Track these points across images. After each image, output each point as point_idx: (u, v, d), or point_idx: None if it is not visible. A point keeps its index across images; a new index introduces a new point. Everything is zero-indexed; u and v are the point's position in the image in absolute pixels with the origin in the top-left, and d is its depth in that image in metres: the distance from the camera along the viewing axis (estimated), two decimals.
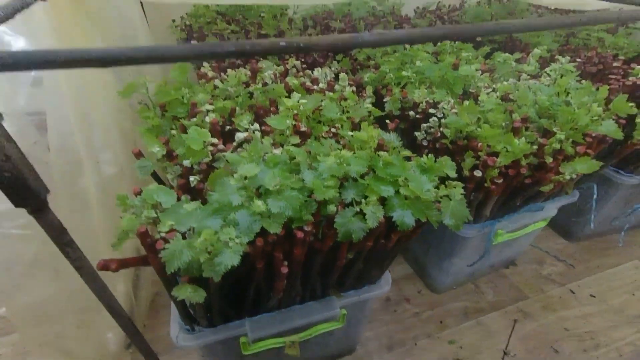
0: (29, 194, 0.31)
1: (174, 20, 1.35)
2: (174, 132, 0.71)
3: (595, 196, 0.92)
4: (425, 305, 1.05)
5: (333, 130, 0.74)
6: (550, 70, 0.93)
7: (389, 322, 1.00)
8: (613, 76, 0.97)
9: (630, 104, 0.69)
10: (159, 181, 0.71)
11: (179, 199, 0.52)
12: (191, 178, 0.60)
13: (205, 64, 0.97)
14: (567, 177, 0.64)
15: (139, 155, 0.65)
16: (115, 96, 0.77)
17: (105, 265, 0.44)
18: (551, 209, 0.90)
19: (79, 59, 0.26)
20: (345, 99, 0.81)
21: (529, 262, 1.17)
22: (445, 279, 1.06)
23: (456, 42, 1.17)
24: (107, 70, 0.75)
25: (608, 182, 1.02)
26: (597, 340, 0.94)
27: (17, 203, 0.31)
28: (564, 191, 0.72)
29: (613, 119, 0.68)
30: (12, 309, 0.69)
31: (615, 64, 1.01)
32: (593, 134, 0.66)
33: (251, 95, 0.86)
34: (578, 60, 1.08)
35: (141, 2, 1.02)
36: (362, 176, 0.54)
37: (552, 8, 1.48)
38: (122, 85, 0.80)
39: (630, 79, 0.93)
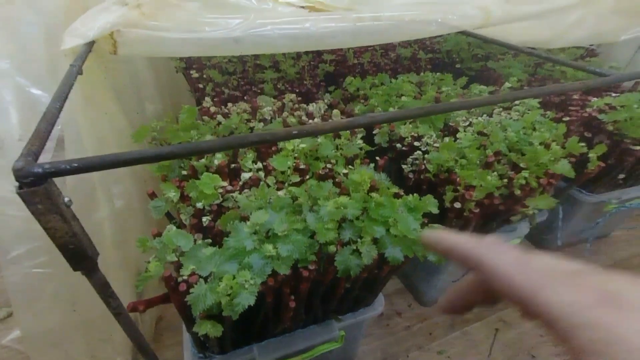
0: (86, 260, 0.37)
1: None
2: (184, 172, 0.78)
3: (561, 215, 1.02)
4: (415, 318, 1.13)
5: (329, 166, 0.82)
6: (519, 104, 1.04)
7: (382, 336, 1.08)
8: (573, 107, 1.08)
9: (582, 144, 0.80)
10: (170, 218, 0.77)
11: (194, 240, 0.59)
12: (203, 218, 0.67)
13: (207, 98, 1.04)
14: (531, 212, 0.74)
15: (152, 195, 0.71)
16: (125, 135, 0.83)
17: (134, 307, 0.50)
18: (523, 228, 1.00)
19: (139, 158, 0.33)
20: (339, 136, 0.89)
21: None
22: (433, 293, 1.15)
23: (437, 74, 1.28)
24: (120, 114, 0.80)
25: (573, 201, 1.13)
26: None
27: (75, 267, 0.37)
28: (529, 222, 0.82)
29: (569, 156, 0.78)
30: (27, 336, 0.73)
31: (575, 96, 1.13)
32: (551, 172, 0.77)
33: (252, 131, 0.93)
34: None
35: None
36: (357, 217, 0.62)
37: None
38: (131, 125, 0.86)
39: (587, 110, 1.05)
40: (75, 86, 0.61)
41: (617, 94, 1.10)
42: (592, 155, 0.86)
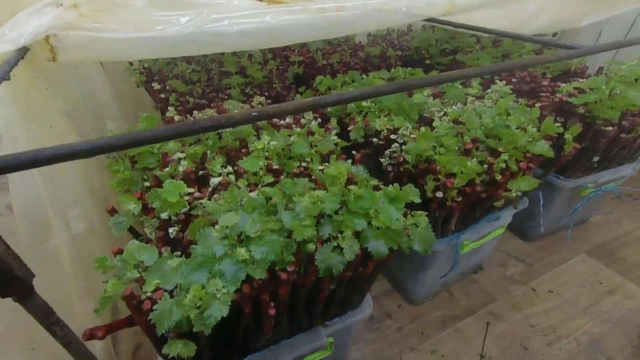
0: (16, 283, 0.31)
1: (131, 64, 1.33)
2: (147, 183, 0.72)
3: (541, 202, 1.02)
4: (406, 318, 1.10)
5: (304, 164, 0.78)
6: (491, 92, 1.04)
7: (374, 340, 1.04)
8: (543, 93, 1.10)
9: (557, 124, 0.80)
10: (136, 235, 0.71)
11: (160, 253, 0.53)
12: (170, 230, 0.61)
13: (170, 108, 0.98)
14: (514, 194, 0.73)
15: (112, 212, 0.65)
16: None
17: (91, 335, 0.44)
18: (506, 216, 0.99)
19: (65, 154, 0.28)
20: (313, 134, 0.86)
21: (494, 265, 1.26)
22: (422, 291, 1.12)
23: (408, 68, 1.27)
24: (70, 128, 0.74)
25: (551, 187, 1.14)
26: (559, 333, 1.03)
27: (3, 293, 0.31)
28: (512, 205, 0.81)
29: (545, 139, 0.78)
30: None
31: (544, 83, 1.15)
32: (530, 154, 0.76)
33: (220, 136, 0.88)
34: (513, 80, 1.21)
35: None
36: (336, 212, 0.58)
37: (486, 35, 1.65)
38: (79, 139, 0.80)
39: (558, 95, 1.07)
40: (10, 101, 0.56)
41: (584, 80, 1.12)
42: (568, 136, 0.86)
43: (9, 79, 0.45)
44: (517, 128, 0.80)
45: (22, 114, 0.56)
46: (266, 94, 1.18)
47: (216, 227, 0.51)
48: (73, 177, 0.74)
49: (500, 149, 0.79)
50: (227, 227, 0.51)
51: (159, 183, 0.71)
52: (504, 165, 0.75)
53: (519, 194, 0.74)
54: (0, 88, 0.43)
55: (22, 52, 0.53)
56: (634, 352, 0.97)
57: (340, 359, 0.91)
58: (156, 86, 1.16)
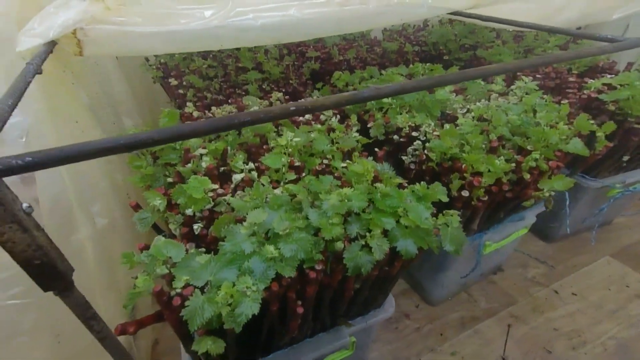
0: (58, 277, 0.31)
1: (147, 59, 1.33)
2: (169, 179, 0.72)
3: (567, 202, 0.99)
4: (425, 319, 1.08)
5: (325, 161, 0.77)
6: (516, 89, 1.01)
7: (392, 341, 1.02)
8: (570, 90, 1.06)
9: (591, 122, 0.77)
10: (158, 231, 0.71)
11: (185, 250, 0.53)
12: (195, 226, 0.61)
13: (189, 104, 0.98)
14: (547, 194, 0.70)
15: (136, 207, 0.65)
16: None
17: (123, 330, 0.44)
18: (531, 217, 0.96)
19: (109, 147, 0.27)
20: (333, 130, 0.84)
21: (514, 266, 1.23)
22: (441, 291, 1.10)
23: (427, 64, 1.25)
24: (93, 123, 0.74)
25: (576, 187, 1.10)
26: (584, 337, 1.00)
27: (46, 287, 0.31)
28: (545, 205, 0.78)
29: (576, 137, 0.75)
30: None
31: (570, 79, 1.11)
32: (564, 152, 0.73)
33: (239, 132, 0.88)
34: (538, 76, 1.18)
35: None
36: (363, 210, 0.57)
37: (510, 29, 1.61)
38: (106, 135, 0.80)
39: (586, 92, 1.03)
40: (39, 95, 0.56)
41: (612, 75, 1.08)
42: (600, 134, 0.83)
43: (40, 73, 0.44)
44: (547, 125, 0.78)
45: (50, 108, 0.56)
46: (283, 90, 1.17)
47: (244, 224, 0.50)
48: (96, 172, 0.75)
49: (528, 147, 0.76)
50: (255, 224, 0.50)
51: (181, 179, 0.71)
52: (533, 164, 0.72)
53: (552, 193, 0.72)
54: (32, 83, 0.43)
55: (51, 45, 0.53)
56: None
57: (360, 357, 0.90)
58: (173, 82, 1.16)
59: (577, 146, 0.71)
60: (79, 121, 0.66)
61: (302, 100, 0.31)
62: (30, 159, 0.25)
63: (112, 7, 0.56)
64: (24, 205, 0.29)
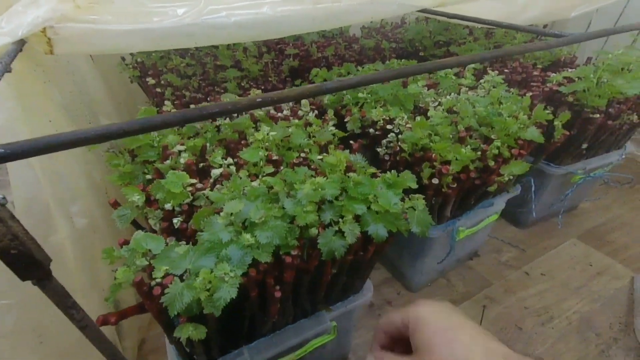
0: (35, 266, 0.32)
1: (123, 59, 1.32)
2: (148, 176, 0.73)
3: (533, 188, 1.05)
4: (406, 305, 1.12)
5: (303, 155, 0.79)
6: (484, 82, 1.06)
7: (375, 327, 1.06)
8: (534, 83, 1.12)
9: (547, 112, 0.82)
10: (138, 228, 0.71)
11: (165, 243, 0.54)
12: (174, 220, 0.62)
13: (167, 102, 0.99)
14: (507, 179, 0.75)
15: (115, 205, 0.66)
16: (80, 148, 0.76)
17: (105, 320, 0.45)
18: (500, 203, 1.02)
19: (82, 139, 0.29)
20: (310, 125, 0.87)
21: (489, 251, 1.29)
22: (420, 278, 1.14)
23: (402, 60, 1.29)
24: (68, 122, 0.74)
25: (542, 174, 1.17)
26: (551, 313, 1.06)
27: (23, 276, 0.32)
28: (505, 189, 0.83)
29: (535, 126, 0.80)
30: None
31: (535, 73, 1.18)
32: (522, 140, 0.78)
33: (219, 129, 0.89)
34: (505, 70, 1.24)
35: None
36: (336, 198, 0.60)
37: (479, 26, 1.67)
38: None
39: (548, 85, 1.09)
40: (9, 94, 0.56)
41: (573, 69, 1.15)
42: (557, 123, 0.89)
43: (10, 71, 0.45)
44: (509, 116, 0.83)
45: (22, 107, 0.56)
46: (262, 87, 1.19)
47: (221, 214, 0.52)
48: (74, 173, 0.75)
49: (492, 136, 0.81)
50: (231, 214, 0.52)
51: (160, 176, 0.72)
52: (496, 151, 0.77)
53: (512, 178, 0.77)
54: (2, 81, 0.43)
55: (20, 44, 0.54)
56: (621, 329, 1.01)
57: (343, 345, 0.94)
58: (151, 81, 1.16)
59: (533, 134, 0.77)
60: (53, 120, 0.66)
61: (269, 93, 0.33)
62: (3, 150, 0.27)
63: (83, 5, 0.57)
64: None
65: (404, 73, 0.44)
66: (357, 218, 0.58)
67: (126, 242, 0.55)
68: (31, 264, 0.32)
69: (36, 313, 0.64)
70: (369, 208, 0.58)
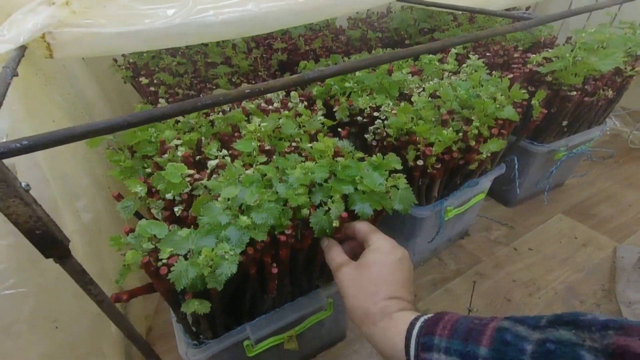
0: (57, 245, 0.37)
1: (115, 60, 1.35)
2: (148, 170, 0.77)
3: (516, 166, 1.10)
4: None
5: (294, 144, 0.83)
6: (466, 67, 1.10)
7: None
8: (515, 65, 1.17)
9: (524, 92, 0.87)
10: (139, 218, 0.76)
11: (168, 229, 0.58)
12: (175, 209, 0.66)
13: (161, 100, 1.02)
14: (485, 156, 0.80)
15: (119, 197, 0.70)
16: (77, 143, 0.80)
17: (117, 298, 0.49)
18: (485, 182, 1.07)
19: (92, 130, 0.33)
20: (300, 115, 0.91)
21: (479, 230, 1.35)
22: (413, 258, 1.20)
23: (388, 49, 1.33)
24: (69, 122, 0.78)
25: (526, 153, 1.22)
26: (538, 285, 1.12)
27: (47, 254, 0.37)
28: (485, 167, 0.88)
29: (514, 106, 0.85)
30: None
31: (515, 55, 1.22)
32: (500, 120, 0.83)
33: (212, 123, 0.93)
34: (487, 54, 1.27)
35: None
36: (325, 180, 0.64)
37: (460, 12, 1.70)
38: None
39: (528, 66, 1.14)
40: (15, 97, 0.60)
41: (552, 50, 1.19)
42: (535, 102, 0.93)
43: (17, 75, 0.49)
44: (487, 97, 0.87)
45: (27, 109, 0.60)
46: (252, 82, 1.22)
47: (219, 199, 0.57)
48: (77, 171, 0.79)
49: (473, 118, 0.85)
50: (228, 199, 0.57)
51: (159, 169, 0.76)
52: (476, 131, 0.81)
53: (489, 154, 0.81)
54: (3, 82, 0.47)
55: (22, 50, 0.57)
56: (604, 295, 1.07)
57: (341, 323, 0.99)
58: (144, 80, 1.19)
59: (509, 112, 0.81)
60: (55, 120, 0.70)
61: (256, 84, 0.37)
62: (27, 142, 0.31)
63: (78, 10, 0.60)
64: (23, 183, 0.34)
65: (378, 61, 0.49)
66: (345, 198, 0.63)
67: (131, 231, 0.60)
68: (53, 243, 0.36)
69: (51, 301, 0.68)
70: (356, 189, 0.63)
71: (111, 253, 0.88)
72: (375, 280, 0.50)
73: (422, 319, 0.44)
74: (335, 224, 0.59)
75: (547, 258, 1.21)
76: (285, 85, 0.42)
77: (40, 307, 0.66)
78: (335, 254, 0.58)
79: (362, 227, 0.59)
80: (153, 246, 0.55)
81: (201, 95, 1.13)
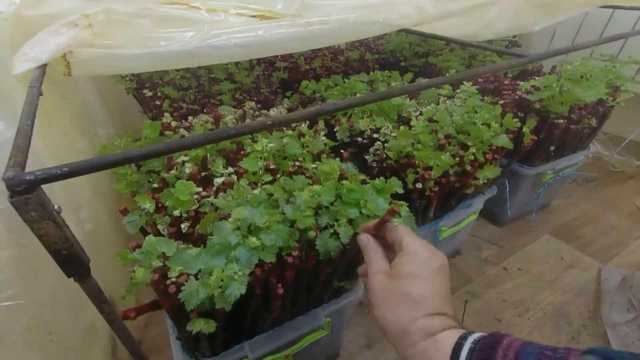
0: (80, 265, 0.38)
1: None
2: (154, 185, 0.78)
3: (507, 189, 1.15)
4: None
5: (297, 163, 0.86)
6: (460, 92, 1.16)
7: (364, 324, 1.13)
8: (505, 91, 1.23)
9: (516, 120, 0.92)
10: (145, 233, 0.77)
11: (176, 247, 0.60)
12: (182, 225, 0.68)
13: (166, 114, 1.04)
14: (481, 182, 0.84)
15: (125, 211, 0.71)
16: (86, 155, 0.81)
17: (125, 315, 0.50)
18: (478, 203, 1.11)
19: (127, 158, 0.35)
20: (304, 135, 0.94)
21: (470, 249, 1.38)
22: None
23: (385, 71, 1.38)
24: (79, 135, 0.79)
25: (516, 175, 1.28)
26: (527, 305, 1.16)
27: (70, 273, 0.38)
28: (481, 191, 0.92)
29: (506, 132, 0.90)
30: None
31: (505, 82, 1.28)
32: (495, 146, 0.88)
33: None
34: (480, 80, 1.34)
35: None
36: (331, 203, 0.66)
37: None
38: (90, 147, 0.85)
39: (518, 93, 1.20)
40: (35, 113, 0.61)
41: (539, 78, 1.26)
42: (526, 129, 0.99)
43: (42, 94, 0.50)
44: (482, 124, 0.92)
45: (42, 123, 0.61)
46: (255, 99, 1.25)
47: (229, 220, 0.58)
48: (81, 181, 0.79)
49: (469, 143, 0.90)
50: (238, 219, 0.59)
51: (165, 184, 0.77)
52: (472, 157, 0.86)
53: (485, 180, 0.85)
54: (32, 103, 0.49)
55: (43, 68, 0.59)
56: (590, 316, 1.12)
57: (336, 342, 1.00)
58: (148, 93, 1.21)
59: (504, 140, 0.86)
60: (68, 134, 0.71)
61: (276, 115, 0.39)
62: (67, 169, 0.32)
63: (99, 32, 0.62)
64: (55, 206, 0.36)
65: (386, 96, 0.52)
66: (350, 221, 0.65)
67: (138, 246, 0.61)
68: (77, 263, 0.37)
69: (47, 313, 0.68)
70: (360, 212, 0.65)
71: (109, 264, 0.88)
72: (412, 294, 0.44)
73: (470, 339, 0.38)
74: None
75: (535, 278, 1.25)
76: (304, 117, 0.45)
77: (36, 319, 0.66)
78: (376, 259, 0.52)
79: (397, 228, 0.54)
80: (162, 263, 0.56)
81: (204, 110, 1.15)
